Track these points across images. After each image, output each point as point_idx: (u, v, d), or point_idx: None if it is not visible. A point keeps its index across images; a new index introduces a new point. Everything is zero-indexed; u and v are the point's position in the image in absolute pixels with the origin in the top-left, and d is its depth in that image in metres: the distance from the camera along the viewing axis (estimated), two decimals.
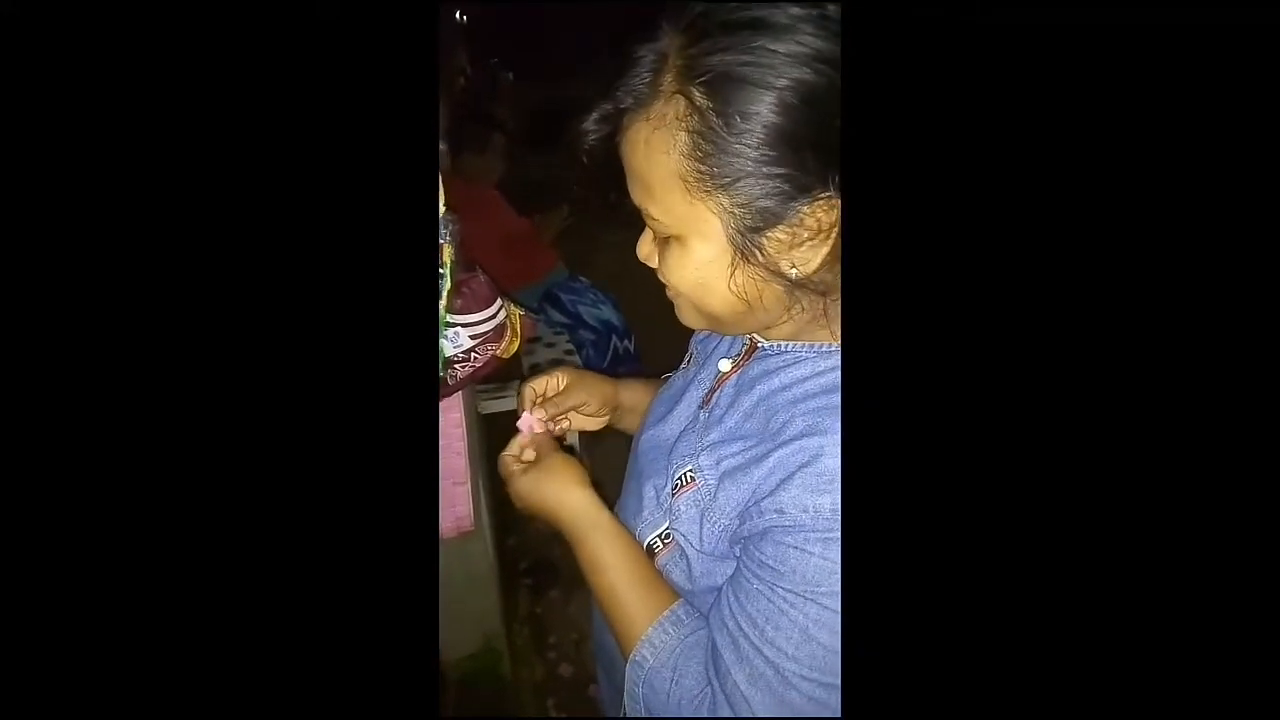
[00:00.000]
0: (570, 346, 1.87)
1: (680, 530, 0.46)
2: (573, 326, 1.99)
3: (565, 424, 0.60)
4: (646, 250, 0.46)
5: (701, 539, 0.45)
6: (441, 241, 0.71)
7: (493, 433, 1.70)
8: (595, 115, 0.42)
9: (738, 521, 0.43)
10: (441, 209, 0.71)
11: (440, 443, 0.99)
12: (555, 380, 0.61)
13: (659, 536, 0.48)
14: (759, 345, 0.49)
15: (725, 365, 0.52)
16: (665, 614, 0.46)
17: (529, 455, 0.56)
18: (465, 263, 0.81)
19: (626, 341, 2.06)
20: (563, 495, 0.51)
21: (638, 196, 0.42)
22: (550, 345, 1.87)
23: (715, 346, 0.56)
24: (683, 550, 0.46)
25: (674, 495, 0.47)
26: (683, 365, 0.61)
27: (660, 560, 0.48)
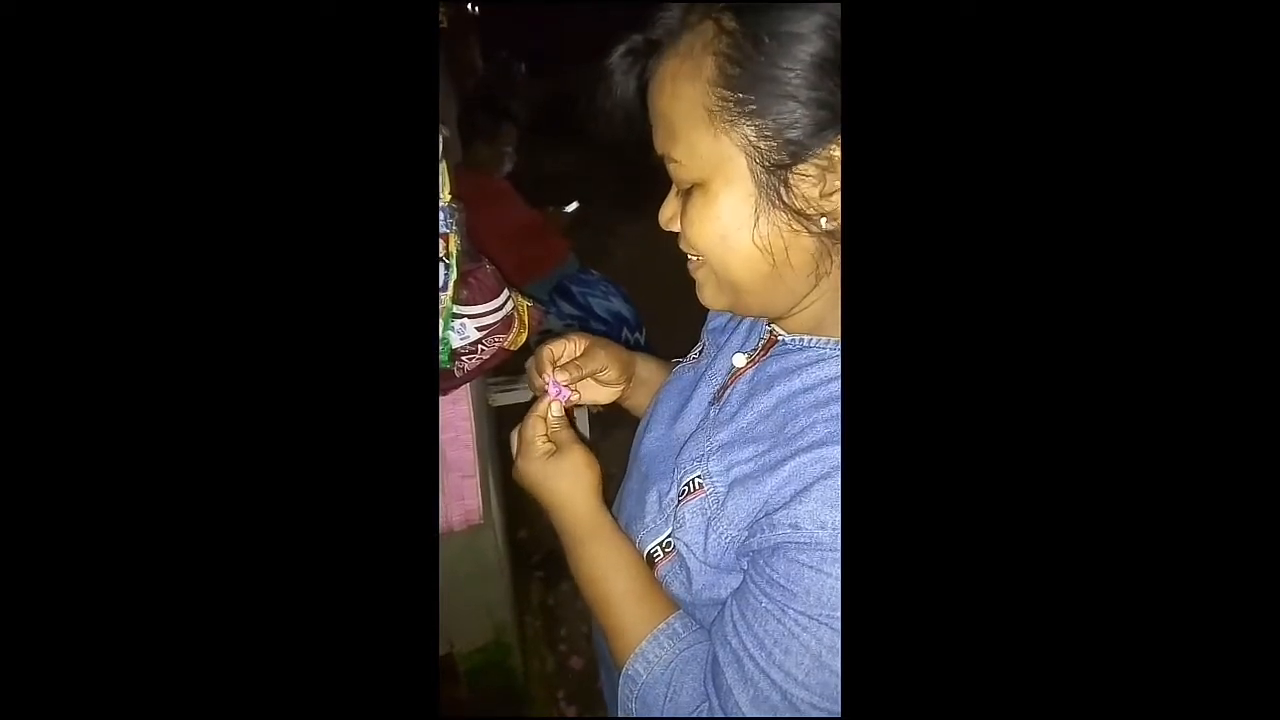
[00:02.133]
0: None
1: (683, 540, 0.43)
2: (583, 319, 1.98)
3: (576, 395, 0.56)
4: (670, 213, 0.44)
5: (706, 550, 0.42)
6: (447, 231, 0.70)
7: (503, 425, 1.70)
8: (623, 48, 0.41)
9: (746, 533, 0.40)
10: (447, 198, 0.70)
11: (448, 435, 0.99)
12: (573, 345, 0.57)
13: (660, 545, 0.45)
14: (778, 339, 0.46)
15: (740, 360, 0.49)
16: (661, 626, 0.44)
17: (542, 439, 0.52)
18: (472, 253, 0.80)
19: (638, 334, 2.05)
20: (575, 494, 0.49)
21: (662, 142, 0.41)
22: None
23: (728, 340, 0.53)
24: (684, 560, 0.44)
25: (680, 502, 0.44)
26: (692, 355, 0.58)
27: (660, 570, 0.45)
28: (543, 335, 1.94)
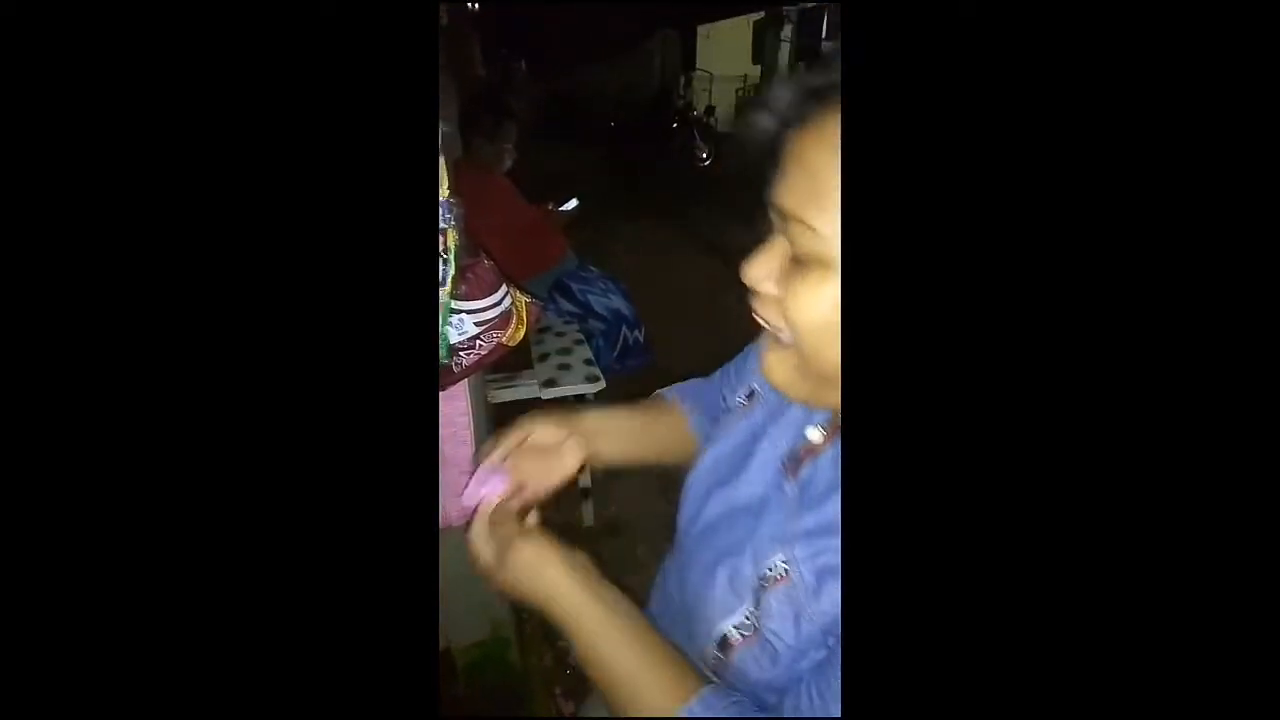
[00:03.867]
0: (580, 336, 1.86)
1: (771, 628, 0.40)
2: (582, 316, 1.99)
3: (505, 486, 0.49)
4: (763, 274, 0.37)
5: (798, 637, 0.39)
6: (445, 226, 0.71)
7: (503, 422, 1.70)
8: (793, 89, 0.35)
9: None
10: (445, 193, 0.70)
11: (447, 431, 0.99)
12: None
13: (736, 628, 0.41)
14: None
15: (815, 435, 0.44)
16: (693, 702, 0.39)
17: (490, 550, 0.46)
18: (470, 249, 0.80)
19: (636, 332, 2.05)
20: (536, 582, 0.43)
21: (796, 201, 0.34)
22: (560, 335, 1.86)
23: (794, 413, 0.48)
24: (770, 646, 0.40)
25: (765, 589, 0.41)
26: (740, 401, 0.54)
27: (737, 653, 0.41)
28: (541, 331, 1.93)
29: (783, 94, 0.37)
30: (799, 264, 0.35)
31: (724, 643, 0.42)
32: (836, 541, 0.38)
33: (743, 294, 0.40)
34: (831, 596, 0.37)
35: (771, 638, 0.40)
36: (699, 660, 0.44)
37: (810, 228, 0.34)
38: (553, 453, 0.53)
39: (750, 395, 0.53)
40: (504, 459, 0.51)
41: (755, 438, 0.48)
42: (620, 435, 0.57)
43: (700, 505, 0.49)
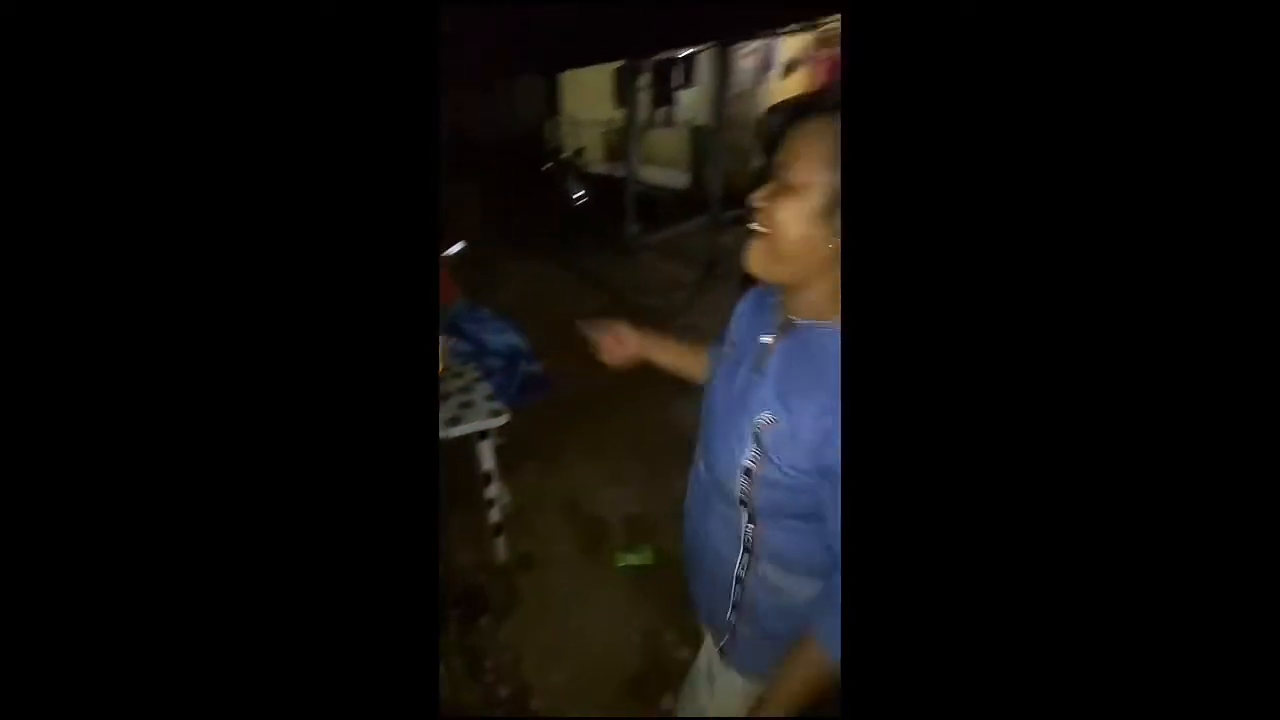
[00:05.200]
0: (479, 375, 1.90)
1: (774, 454, 0.63)
2: (478, 354, 2.03)
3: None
4: (762, 195, 0.61)
5: (794, 455, 0.61)
6: None
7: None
8: (785, 113, 0.62)
9: (819, 443, 0.59)
10: None
11: None
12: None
13: (751, 461, 0.65)
14: (795, 323, 0.66)
15: (768, 339, 0.70)
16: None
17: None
18: None
19: (534, 365, 2.12)
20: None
21: (783, 162, 0.60)
22: (458, 375, 1.89)
23: (755, 335, 0.75)
24: (776, 465, 0.63)
25: (761, 433, 0.64)
26: (727, 349, 0.81)
27: (758, 477, 0.65)
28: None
29: (775, 118, 0.65)
30: (780, 193, 0.60)
31: (748, 473, 0.66)
32: (795, 401, 0.62)
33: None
34: (802, 435, 0.60)
35: (775, 458, 0.63)
36: (728, 497, 0.69)
37: (789, 174, 0.60)
38: (626, 341, 0.93)
39: (733, 345, 0.81)
40: (598, 329, 0.90)
41: (736, 364, 0.75)
42: (667, 352, 0.93)
43: (710, 409, 0.76)
